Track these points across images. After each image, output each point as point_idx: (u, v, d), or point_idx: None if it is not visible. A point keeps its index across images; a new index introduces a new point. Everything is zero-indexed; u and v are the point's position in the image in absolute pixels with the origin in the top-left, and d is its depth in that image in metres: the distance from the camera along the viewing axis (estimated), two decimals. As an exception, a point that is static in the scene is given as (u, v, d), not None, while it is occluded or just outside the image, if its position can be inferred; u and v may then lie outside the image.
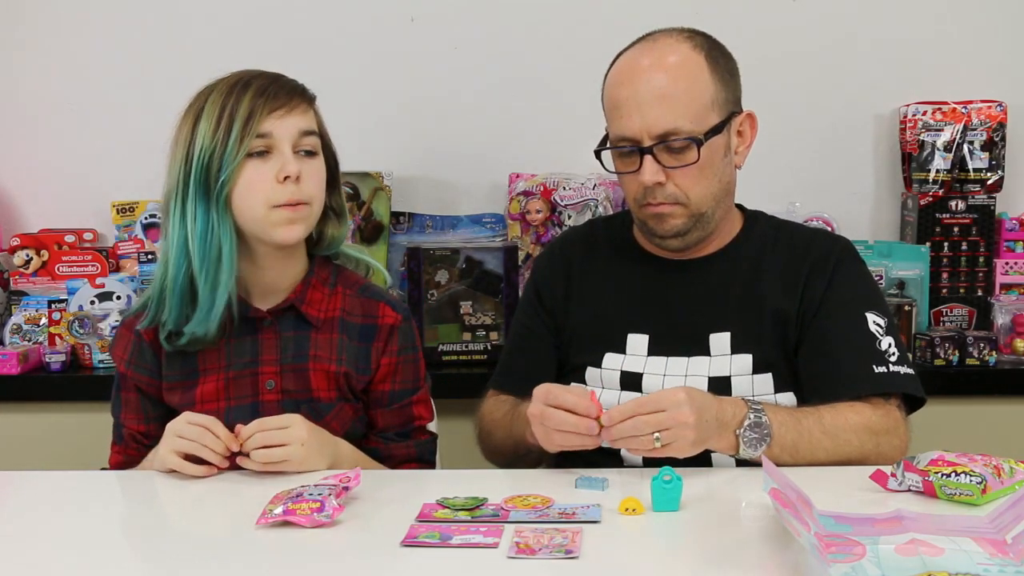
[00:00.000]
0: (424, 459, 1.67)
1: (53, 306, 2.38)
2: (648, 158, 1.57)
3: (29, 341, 2.37)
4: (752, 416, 1.45)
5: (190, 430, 1.46)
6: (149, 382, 1.62)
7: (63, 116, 2.57)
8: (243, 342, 1.59)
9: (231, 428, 1.51)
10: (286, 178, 1.50)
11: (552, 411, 1.42)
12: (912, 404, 1.61)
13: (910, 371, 1.60)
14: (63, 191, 2.59)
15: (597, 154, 1.66)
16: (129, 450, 1.63)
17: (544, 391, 1.44)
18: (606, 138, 1.66)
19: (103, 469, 1.66)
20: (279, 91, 1.53)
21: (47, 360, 2.28)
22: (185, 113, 1.54)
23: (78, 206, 2.58)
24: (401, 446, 1.64)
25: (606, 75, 1.66)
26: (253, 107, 1.50)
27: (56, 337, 2.35)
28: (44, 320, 2.37)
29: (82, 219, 2.57)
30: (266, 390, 1.59)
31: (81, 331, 2.31)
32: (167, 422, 1.56)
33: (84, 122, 2.57)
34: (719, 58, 1.62)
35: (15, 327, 2.38)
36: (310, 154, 1.55)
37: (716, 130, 1.59)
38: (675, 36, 1.62)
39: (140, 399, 1.63)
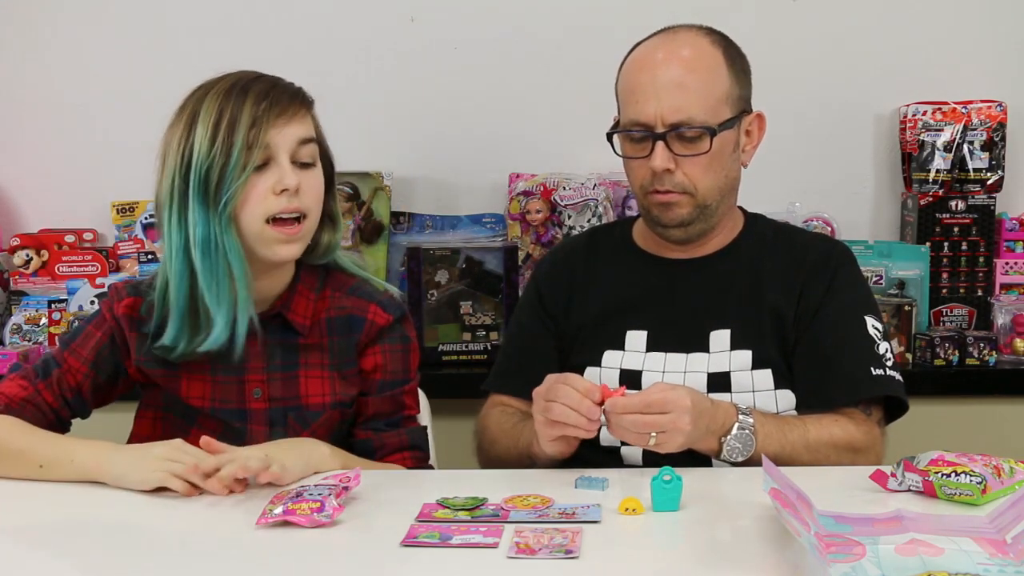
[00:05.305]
0: (418, 446, 1.63)
1: (53, 306, 2.38)
2: (660, 144, 1.58)
3: (29, 341, 2.36)
4: (738, 428, 1.48)
5: (183, 455, 1.40)
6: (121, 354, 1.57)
7: (63, 116, 2.57)
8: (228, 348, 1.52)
9: (222, 427, 1.53)
10: (284, 191, 1.46)
11: (559, 385, 1.43)
12: (894, 412, 1.64)
13: (900, 378, 1.62)
14: (63, 191, 2.59)
15: (609, 137, 1.66)
16: (38, 389, 1.53)
17: (557, 375, 1.46)
18: (616, 124, 1.67)
19: None
20: (279, 98, 1.48)
21: (47, 360, 2.28)
22: (178, 114, 1.49)
23: (78, 206, 2.58)
24: (393, 435, 1.61)
25: (623, 62, 1.67)
26: (255, 117, 1.45)
27: (56, 337, 2.35)
28: (44, 320, 2.37)
29: (82, 219, 2.57)
30: (253, 398, 1.56)
31: (81, 331, 2.31)
32: (106, 396, 1.57)
33: (84, 122, 2.56)
34: (735, 56, 1.64)
35: (15, 327, 2.38)
36: (308, 166, 1.51)
37: (728, 124, 1.60)
38: (695, 31, 1.64)
39: (107, 349, 1.56)
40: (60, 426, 1.56)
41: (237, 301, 1.48)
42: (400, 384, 1.62)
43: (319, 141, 1.55)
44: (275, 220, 1.48)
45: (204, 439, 1.43)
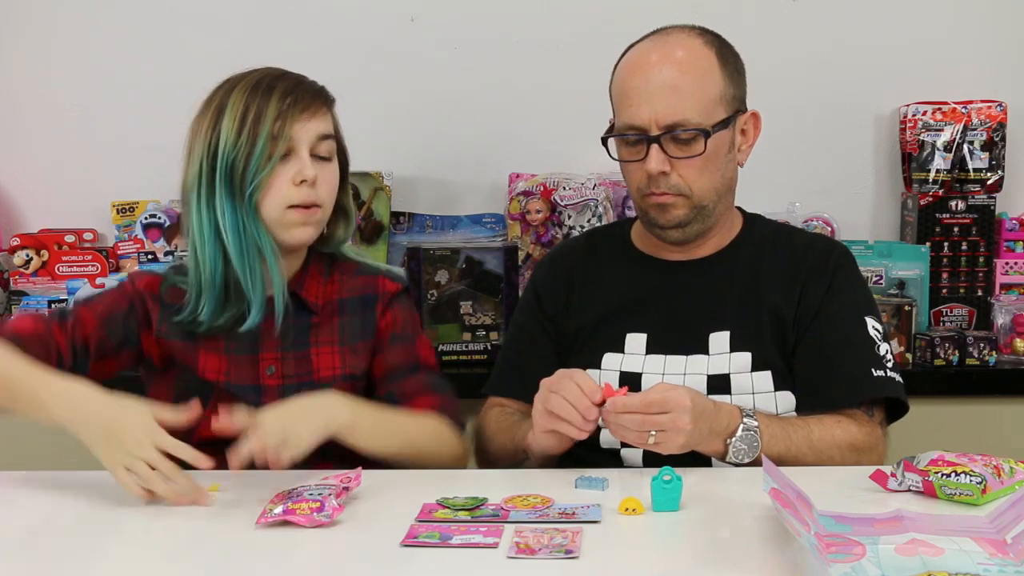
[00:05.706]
0: (442, 390, 1.64)
1: (53, 306, 2.38)
2: (655, 147, 1.58)
3: (29, 341, 2.36)
4: (743, 429, 1.47)
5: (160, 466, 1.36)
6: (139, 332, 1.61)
7: (63, 116, 2.57)
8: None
9: (235, 403, 1.52)
10: (303, 181, 1.54)
11: (565, 379, 1.43)
12: (894, 413, 1.64)
13: (900, 379, 1.62)
14: (63, 191, 2.59)
15: (604, 141, 1.67)
16: (52, 330, 1.56)
17: (568, 370, 1.46)
18: (611, 128, 1.67)
19: None
20: (303, 95, 1.56)
21: (47, 360, 2.28)
22: (205, 106, 1.57)
23: (78, 206, 2.58)
24: (412, 380, 1.64)
25: (616, 65, 1.67)
26: (279, 112, 1.53)
27: (56, 337, 2.35)
28: (44, 320, 2.37)
29: (82, 219, 2.57)
30: (266, 375, 1.61)
31: (81, 331, 2.31)
32: (107, 364, 1.59)
33: (84, 122, 2.56)
34: (728, 56, 1.64)
35: (15, 327, 2.37)
36: (325, 160, 1.58)
37: (723, 124, 1.60)
38: (687, 32, 1.64)
39: (121, 315, 1.61)
40: (60, 370, 1.55)
41: (272, 282, 1.56)
42: (411, 338, 1.67)
43: (337, 138, 1.62)
44: (292, 205, 1.55)
45: (216, 425, 1.40)
